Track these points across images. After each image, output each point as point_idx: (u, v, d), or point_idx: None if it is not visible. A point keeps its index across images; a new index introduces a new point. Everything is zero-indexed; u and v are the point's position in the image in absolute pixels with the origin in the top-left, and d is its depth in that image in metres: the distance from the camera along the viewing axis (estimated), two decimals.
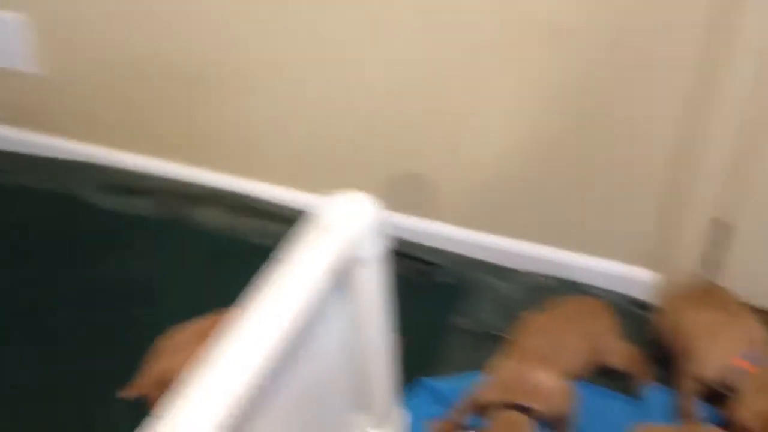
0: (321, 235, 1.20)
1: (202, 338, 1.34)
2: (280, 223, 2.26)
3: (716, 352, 1.72)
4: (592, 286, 2.10)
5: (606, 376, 1.90)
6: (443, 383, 1.91)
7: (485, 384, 1.76)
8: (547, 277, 2.15)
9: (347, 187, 1.28)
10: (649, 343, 1.94)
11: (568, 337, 1.79)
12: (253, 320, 1.09)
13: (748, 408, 1.64)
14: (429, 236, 2.23)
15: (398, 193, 2.21)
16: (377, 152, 2.16)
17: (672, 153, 1.80)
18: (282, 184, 2.35)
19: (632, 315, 2.06)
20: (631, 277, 2.07)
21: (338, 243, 1.19)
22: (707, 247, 1.92)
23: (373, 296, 1.38)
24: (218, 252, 2.30)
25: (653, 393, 1.85)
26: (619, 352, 1.86)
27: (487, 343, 2.00)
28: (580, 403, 1.78)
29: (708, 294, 1.87)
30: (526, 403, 1.68)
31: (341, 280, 1.36)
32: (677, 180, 1.83)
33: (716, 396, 1.75)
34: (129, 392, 1.82)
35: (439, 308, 2.09)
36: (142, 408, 1.77)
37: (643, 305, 2.08)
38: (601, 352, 1.83)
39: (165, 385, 1.49)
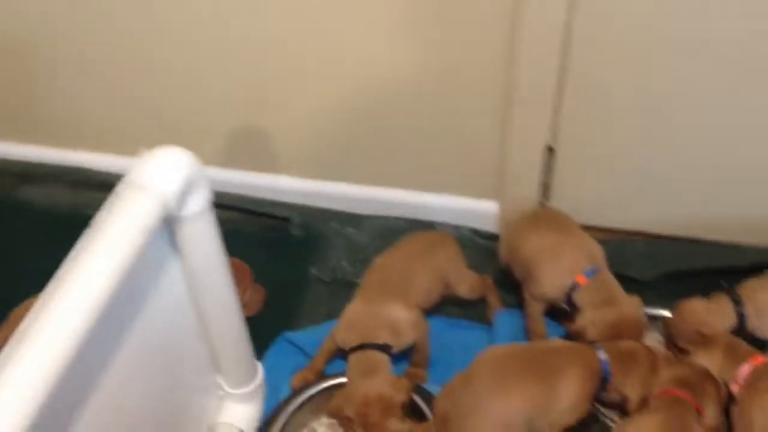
0: (136, 194, 1.16)
1: None
2: None
3: (556, 272, 1.78)
4: (441, 223, 2.16)
5: (458, 307, 1.97)
6: (303, 335, 1.92)
7: (337, 329, 1.78)
8: (396, 219, 2.18)
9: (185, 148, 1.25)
10: (498, 271, 2.01)
11: (414, 272, 1.81)
12: (67, 289, 1.05)
13: (586, 319, 1.73)
14: (277, 191, 2.22)
15: (240, 150, 2.19)
16: (213, 110, 2.12)
17: (502, 88, 1.85)
18: (119, 153, 2.26)
19: (480, 246, 2.13)
20: (477, 210, 2.13)
21: (153, 201, 1.16)
22: (541, 174, 2.00)
23: (205, 253, 1.36)
24: (59, 228, 2.20)
25: (503, 317, 1.92)
26: (468, 282, 1.91)
27: (344, 291, 2.02)
28: (433, 335, 1.83)
29: (545, 218, 1.93)
30: (377, 341, 1.71)
31: (166, 238, 1.33)
32: (510, 114, 1.88)
33: (562, 312, 1.84)
34: None
35: (295, 262, 2.09)
36: None
37: (490, 236, 2.14)
38: (449, 283, 1.87)
39: None
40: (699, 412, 1.53)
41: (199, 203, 1.27)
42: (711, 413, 1.55)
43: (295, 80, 2.00)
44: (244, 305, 1.92)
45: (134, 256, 1.11)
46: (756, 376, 1.53)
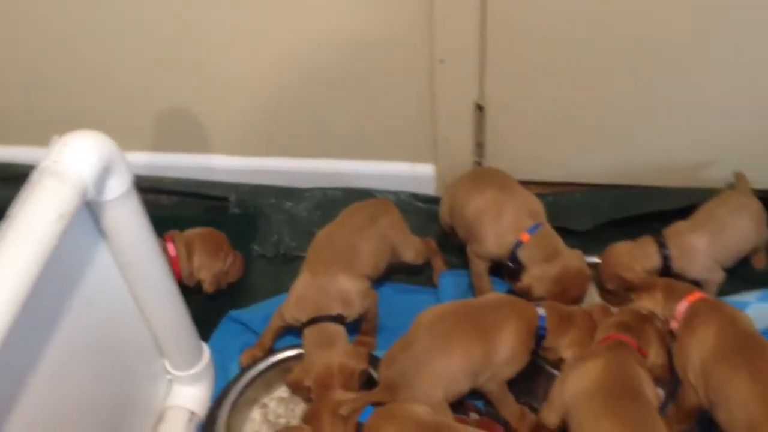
0: (50, 181, 1.14)
1: None
2: None
3: (499, 230, 1.79)
4: (380, 191, 2.16)
5: (405, 273, 1.98)
6: (249, 313, 1.92)
7: (286, 306, 1.77)
8: (335, 190, 2.18)
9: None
10: (440, 233, 2.02)
11: (358, 242, 1.80)
12: None
13: (531, 276, 1.75)
14: (213, 171, 2.20)
15: (171, 133, 2.15)
16: (138, 95, 2.08)
17: (425, 48, 1.84)
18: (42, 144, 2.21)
19: (421, 210, 2.14)
20: (414, 174, 2.14)
21: (69, 186, 1.14)
22: (474, 133, 2.01)
23: (132, 237, 1.34)
24: None
25: (448, 278, 1.94)
26: (413, 247, 1.91)
27: (288, 266, 2.03)
28: (380, 302, 1.83)
29: (484, 177, 1.92)
30: (330, 312, 1.70)
31: (90, 224, 1.31)
32: (436, 74, 1.87)
33: (506, 269, 1.86)
34: None
35: (237, 240, 2.07)
36: None
37: (430, 199, 2.15)
38: (395, 250, 1.87)
39: None
40: (643, 355, 1.56)
41: (120, 187, 1.25)
42: (654, 353, 1.59)
43: (217, 57, 1.97)
44: (226, 272, 1.95)
45: (52, 244, 1.08)
46: (692, 312, 1.56)
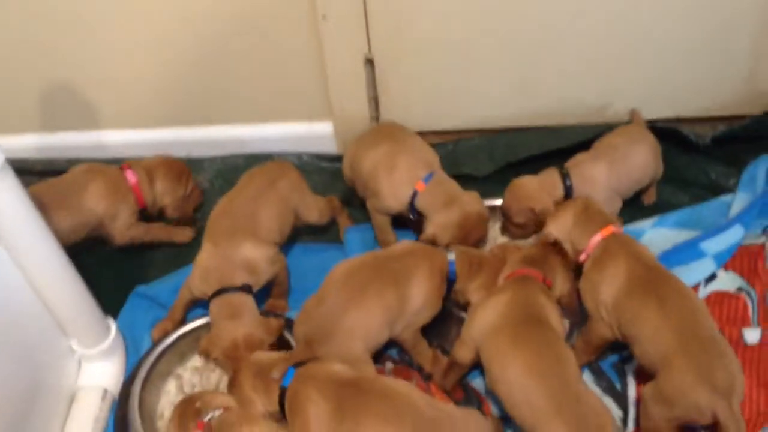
0: None
1: None
2: None
3: (395, 184, 1.81)
4: (281, 153, 2.14)
5: (311, 233, 1.98)
6: (156, 287, 1.89)
7: (192, 279, 1.74)
8: (234, 156, 2.16)
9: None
10: (346, 190, 2.03)
11: (258, 207, 1.77)
12: None
13: (434, 225, 1.77)
14: (105, 147, 2.14)
15: (58, 110, 2.09)
16: (19, 72, 2.01)
17: (308, 3, 1.83)
18: None
19: (324, 169, 2.15)
20: (313, 133, 2.14)
21: None
22: (367, 87, 2.01)
23: (11, 216, 1.30)
24: None
25: (353, 233, 1.95)
26: (316, 208, 1.90)
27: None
28: (289, 263, 1.84)
29: (379, 132, 1.93)
30: (235, 283, 1.68)
31: None
32: (322, 29, 1.87)
33: (410, 219, 1.88)
34: None
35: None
36: None
37: (332, 158, 2.16)
38: (298, 212, 1.86)
39: None
40: (549, 285, 1.60)
41: None
42: (560, 281, 1.63)
43: (102, 26, 1.92)
44: (188, 197, 1.97)
45: None
46: (603, 247, 1.59)
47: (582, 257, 1.62)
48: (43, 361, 1.58)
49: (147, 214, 1.93)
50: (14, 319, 1.46)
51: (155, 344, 1.73)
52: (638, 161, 1.87)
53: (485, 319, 1.54)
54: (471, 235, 1.78)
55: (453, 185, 1.82)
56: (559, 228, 1.66)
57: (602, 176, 1.81)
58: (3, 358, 1.42)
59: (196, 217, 2.04)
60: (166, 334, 1.75)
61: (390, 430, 1.38)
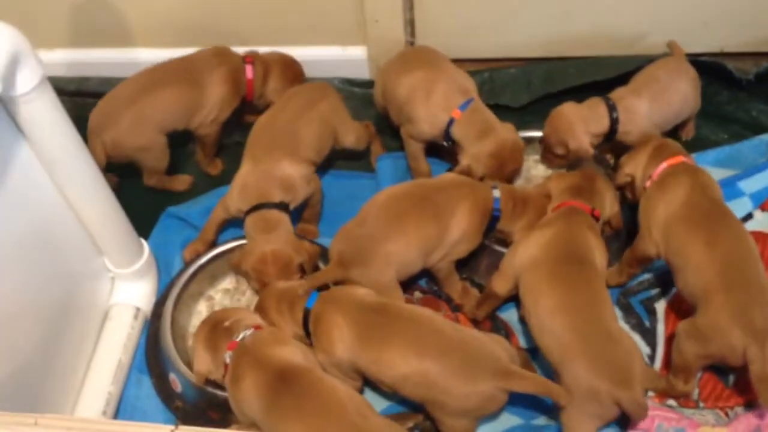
0: None
1: None
2: None
3: (431, 110, 1.77)
4: (312, 78, 2.08)
5: (344, 158, 1.96)
6: (186, 208, 1.90)
7: (230, 196, 1.73)
8: None
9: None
10: (377, 117, 2.00)
11: (299, 127, 1.76)
12: None
13: (469, 157, 1.73)
14: (141, 66, 2.09)
15: (91, 25, 2.05)
16: None
17: None
18: None
19: (356, 95, 2.11)
20: (347, 58, 2.10)
21: None
22: (404, 10, 1.96)
23: (50, 133, 1.30)
24: None
25: (386, 161, 1.93)
26: (354, 131, 1.88)
27: (225, 158, 2.00)
28: (324, 189, 1.83)
29: (415, 57, 1.88)
30: (272, 199, 1.67)
31: (7, 122, 1.26)
32: None
33: (444, 149, 1.86)
34: None
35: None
36: None
37: (364, 83, 2.12)
38: (336, 134, 1.84)
39: None
40: (596, 217, 1.59)
41: (31, 80, 1.20)
42: (608, 206, 1.62)
43: None
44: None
45: None
46: (669, 172, 1.57)
47: (647, 183, 1.60)
48: (79, 278, 1.60)
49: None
50: (51, 236, 1.47)
51: (187, 265, 1.75)
52: (679, 95, 1.82)
53: (527, 252, 1.53)
54: (506, 166, 1.75)
55: (489, 114, 1.79)
56: (633, 167, 1.64)
57: (644, 110, 1.76)
58: (41, 273, 1.44)
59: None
60: (198, 255, 1.76)
61: (413, 355, 1.39)
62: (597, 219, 1.59)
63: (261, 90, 1.94)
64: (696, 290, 1.44)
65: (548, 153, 1.81)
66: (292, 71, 1.98)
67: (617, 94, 1.80)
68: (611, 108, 1.75)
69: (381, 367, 1.42)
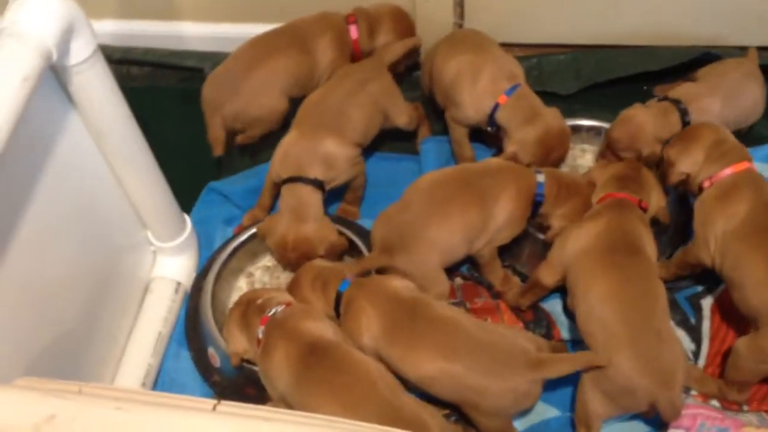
0: (10, 42, 1.08)
1: None
2: None
3: (476, 95, 1.74)
4: None
5: (389, 140, 1.93)
6: (228, 183, 1.90)
7: (273, 160, 1.72)
8: None
9: None
10: (424, 100, 1.97)
11: (349, 106, 1.73)
12: None
13: (514, 143, 1.71)
14: (186, 40, 2.11)
15: None
16: None
17: None
18: None
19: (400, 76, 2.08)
20: None
21: (31, 47, 1.08)
22: None
23: (101, 104, 1.30)
24: None
25: (430, 144, 1.91)
26: (405, 112, 1.85)
27: (267, 136, 1.99)
28: (368, 169, 1.81)
29: (462, 40, 1.86)
30: (309, 174, 1.66)
31: (59, 91, 1.26)
32: None
33: (489, 135, 1.83)
34: None
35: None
36: None
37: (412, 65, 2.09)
38: (386, 114, 1.80)
39: None
40: (644, 208, 1.55)
41: (85, 50, 1.20)
42: (654, 200, 1.57)
43: None
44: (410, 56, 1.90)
45: (19, 109, 1.04)
46: (733, 182, 1.50)
47: (706, 184, 1.52)
48: (122, 251, 1.61)
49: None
50: (97, 207, 1.47)
51: (228, 241, 1.75)
52: (750, 100, 1.76)
53: (579, 243, 1.49)
54: (552, 152, 1.72)
55: (535, 100, 1.75)
56: (689, 165, 1.55)
57: (717, 111, 1.70)
58: (86, 244, 1.45)
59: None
60: (257, 221, 1.75)
61: (440, 358, 1.37)
62: (644, 211, 1.56)
63: (369, 46, 1.90)
64: (759, 309, 1.39)
65: (612, 154, 1.74)
66: (403, 24, 1.93)
67: (690, 91, 1.73)
68: (683, 112, 1.68)
69: (406, 366, 1.40)
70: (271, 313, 1.43)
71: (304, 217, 1.64)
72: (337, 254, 1.67)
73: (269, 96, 1.81)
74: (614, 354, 1.35)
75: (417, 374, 1.39)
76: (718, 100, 1.71)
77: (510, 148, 1.72)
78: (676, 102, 1.70)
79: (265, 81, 1.80)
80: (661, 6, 1.94)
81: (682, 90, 1.74)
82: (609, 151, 1.74)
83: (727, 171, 1.51)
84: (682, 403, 1.38)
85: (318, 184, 1.67)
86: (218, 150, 1.82)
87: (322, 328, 1.40)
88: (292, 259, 1.63)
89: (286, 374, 1.35)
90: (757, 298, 1.40)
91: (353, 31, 1.88)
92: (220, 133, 1.80)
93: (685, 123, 1.68)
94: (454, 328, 1.40)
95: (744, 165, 1.52)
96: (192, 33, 2.10)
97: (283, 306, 1.44)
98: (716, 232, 1.47)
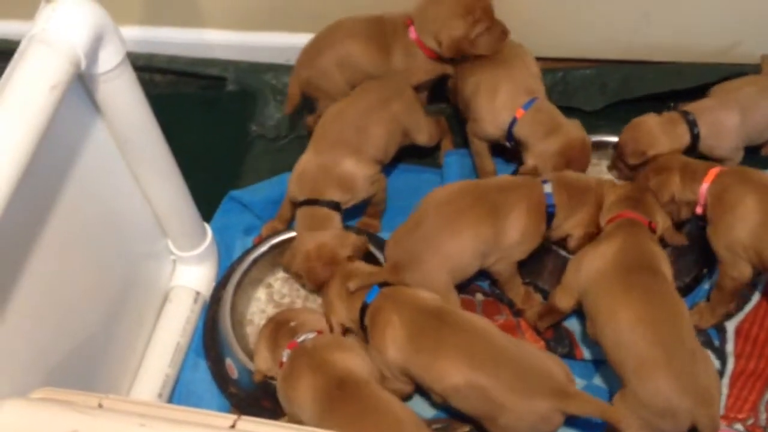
0: (41, 49, 1.07)
1: None
2: None
3: (494, 109, 1.72)
4: None
5: (411, 154, 1.91)
6: (249, 192, 1.88)
7: (290, 179, 1.70)
8: None
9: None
10: (450, 110, 1.95)
11: (368, 124, 1.70)
12: None
13: (534, 156, 1.69)
14: (208, 47, 2.10)
15: (163, 4, 2.05)
16: None
17: None
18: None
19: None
20: None
21: (60, 55, 1.08)
22: None
23: (127, 112, 1.29)
24: None
25: (453, 157, 1.89)
26: (426, 130, 1.82)
27: (289, 146, 1.98)
28: (388, 181, 1.79)
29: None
30: (325, 197, 1.64)
31: (85, 99, 1.26)
32: None
33: (510, 150, 1.81)
34: None
35: (234, 119, 2.02)
36: None
37: None
38: (406, 132, 1.78)
39: None
40: (653, 229, 1.53)
41: (113, 58, 1.19)
42: (660, 220, 1.55)
43: None
44: (472, 41, 1.72)
45: (47, 117, 1.03)
46: (720, 189, 1.51)
47: (698, 209, 1.54)
48: (142, 259, 1.60)
49: None
50: (119, 215, 1.47)
51: (248, 251, 1.74)
52: (766, 116, 1.73)
53: (593, 265, 1.47)
54: (573, 165, 1.69)
55: (554, 112, 1.72)
56: (665, 187, 1.58)
57: (734, 125, 1.68)
58: (107, 252, 1.44)
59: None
60: (276, 233, 1.74)
61: (467, 367, 1.36)
62: (653, 232, 1.54)
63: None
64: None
65: (620, 162, 1.74)
66: (465, 3, 1.75)
67: (701, 105, 1.72)
68: (691, 124, 1.68)
69: (432, 375, 1.39)
70: (301, 339, 1.44)
71: (324, 228, 1.63)
72: (361, 253, 1.65)
73: (331, 78, 1.81)
74: (651, 378, 1.32)
75: (443, 384, 1.38)
76: (734, 112, 1.69)
77: (530, 160, 1.71)
78: (685, 113, 1.70)
79: (339, 57, 1.80)
80: (695, 21, 1.91)
81: (693, 104, 1.73)
82: (619, 160, 1.74)
83: (704, 186, 1.54)
84: (719, 421, 1.36)
85: (335, 206, 1.65)
86: (288, 108, 1.85)
87: (352, 361, 1.40)
88: (320, 272, 1.59)
89: (311, 407, 1.35)
90: None
91: (412, 32, 1.78)
92: (294, 92, 1.82)
93: (694, 135, 1.67)
94: (482, 337, 1.39)
95: (715, 171, 1.54)
96: (216, 41, 2.09)
97: (314, 333, 1.45)
98: (741, 238, 1.46)
